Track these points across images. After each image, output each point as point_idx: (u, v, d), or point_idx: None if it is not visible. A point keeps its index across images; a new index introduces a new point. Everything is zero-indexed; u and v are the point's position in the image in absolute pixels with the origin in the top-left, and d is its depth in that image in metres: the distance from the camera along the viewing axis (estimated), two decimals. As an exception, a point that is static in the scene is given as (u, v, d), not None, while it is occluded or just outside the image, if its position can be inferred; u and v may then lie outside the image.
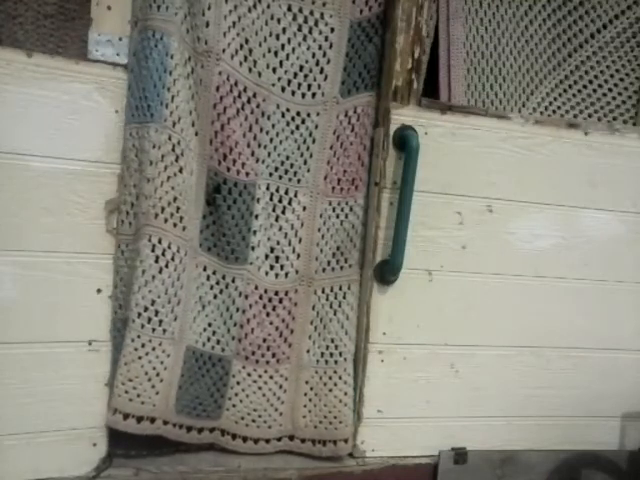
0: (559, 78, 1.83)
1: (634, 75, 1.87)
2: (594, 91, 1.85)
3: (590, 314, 1.84)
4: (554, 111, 1.83)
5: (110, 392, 1.53)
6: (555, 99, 1.84)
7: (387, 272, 1.64)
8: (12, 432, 1.45)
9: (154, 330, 1.55)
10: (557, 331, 1.82)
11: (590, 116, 1.85)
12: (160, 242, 1.54)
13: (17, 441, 1.45)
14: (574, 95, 1.85)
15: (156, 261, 1.53)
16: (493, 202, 1.73)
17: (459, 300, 1.74)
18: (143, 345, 1.54)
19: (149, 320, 1.54)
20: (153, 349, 1.56)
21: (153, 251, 1.53)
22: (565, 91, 1.84)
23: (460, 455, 1.77)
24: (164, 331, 1.56)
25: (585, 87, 1.85)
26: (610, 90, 1.86)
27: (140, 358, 1.54)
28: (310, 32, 1.61)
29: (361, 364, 1.70)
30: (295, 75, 1.63)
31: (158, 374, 1.57)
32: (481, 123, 1.69)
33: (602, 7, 1.81)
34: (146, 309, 1.54)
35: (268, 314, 1.67)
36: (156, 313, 1.55)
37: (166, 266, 1.54)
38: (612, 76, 1.86)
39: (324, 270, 1.70)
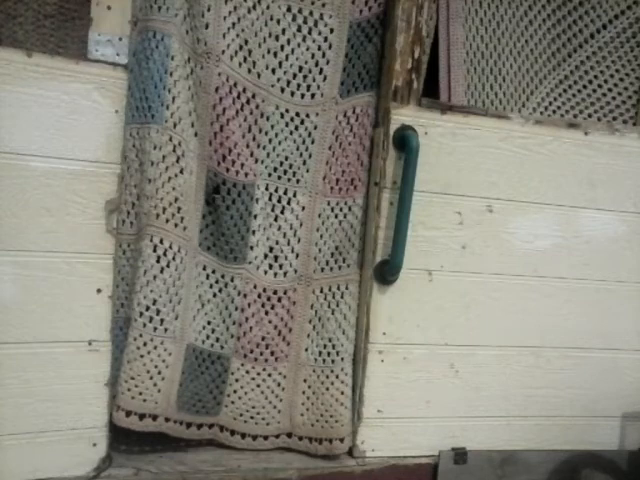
0: (559, 78, 1.83)
1: (634, 75, 1.87)
2: (594, 91, 1.85)
3: (590, 314, 1.83)
4: (554, 111, 1.83)
5: (111, 390, 1.54)
6: (555, 99, 1.83)
7: (387, 272, 1.64)
8: (12, 432, 1.45)
9: (156, 329, 1.56)
10: (557, 331, 1.82)
11: (590, 116, 1.85)
12: (162, 242, 1.54)
13: (17, 441, 1.46)
14: (574, 95, 1.84)
15: (157, 261, 1.54)
16: (493, 202, 1.73)
17: (459, 300, 1.74)
18: (145, 344, 1.55)
19: (151, 319, 1.55)
20: (155, 348, 1.57)
21: (155, 251, 1.54)
22: (565, 91, 1.84)
23: (460, 455, 1.76)
24: (165, 330, 1.57)
25: (585, 87, 1.85)
26: (610, 90, 1.86)
27: (142, 357, 1.55)
28: (309, 33, 1.61)
29: (361, 364, 1.70)
30: (294, 76, 1.63)
31: (160, 372, 1.58)
32: (481, 123, 1.69)
33: (602, 7, 1.81)
34: (148, 308, 1.55)
35: (267, 313, 1.67)
36: (157, 312, 1.56)
37: (167, 266, 1.55)
38: (612, 76, 1.85)
39: (322, 270, 1.70)
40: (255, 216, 1.63)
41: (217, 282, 1.65)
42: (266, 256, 1.68)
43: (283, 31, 1.60)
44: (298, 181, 1.68)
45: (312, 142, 1.67)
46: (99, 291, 1.48)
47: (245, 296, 1.65)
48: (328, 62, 1.64)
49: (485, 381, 1.79)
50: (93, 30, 1.41)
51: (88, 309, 1.48)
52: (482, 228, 1.73)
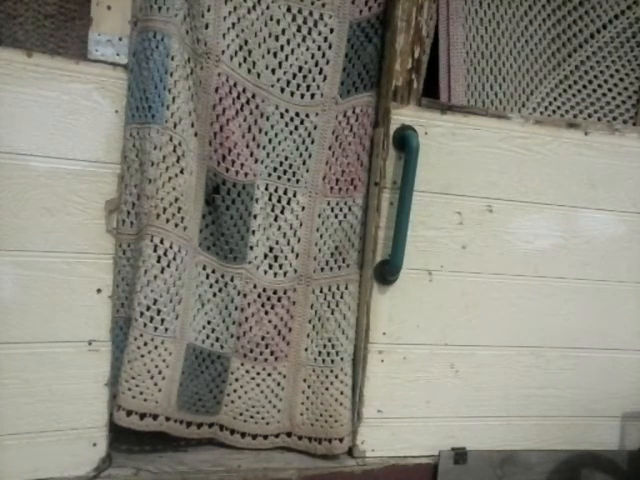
0: (559, 78, 1.83)
1: (634, 75, 1.87)
2: (594, 91, 1.85)
3: (590, 314, 1.83)
4: (554, 111, 1.83)
5: (111, 390, 1.54)
6: (555, 99, 1.83)
7: (387, 272, 1.64)
8: (12, 432, 1.45)
9: (156, 329, 1.56)
10: (557, 331, 1.82)
11: (590, 116, 1.85)
12: (162, 242, 1.54)
13: (17, 441, 1.45)
14: (574, 95, 1.84)
15: (158, 261, 1.54)
16: (493, 202, 1.73)
17: (459, 300, 1.74)
18: (145, 344, 1.55)
19: (151, 319, 1.55)
20: (155, 347, 1.57)
21: (155, 251, 1.54)
22: (565, 91, 1.84)
23: (460, 455, 1.76)
24: (166, 330, 1.57)
25: (585, 87, 1.85)
26: (610, 90, 1.86)
27: (143, 356, 1.55)
28: (309, 33, 1.61)
29: (361, 364, 1.70)
30: (294, 76, 1.63)
31: (160, 372, 1.58)
32: (481, 123, 1.69)
33: (602, 7, 1.81)
34: (148, 308, 1.55)
35: (267, 312, 1.67)
36: (158, 312, 1.56)
37: (168, 266, 1.55)
38: (612, 76, 1.85)
39: (322, 270, 1.70)
40: (255, 216, 1.63)
41: (217, 282, 1.65)
42: (266, 256, 1.68)
43: (283, 31, 1.60)
44: (298, 181, 1.68)
45: (312, 142, 1.67)
46: (99, 291, 1.48)
47: (245, 296, 1.65)
48: (328, 62, 1.64)
49: (485, 381, 1.79)
50: (93, 30, 1.41)
51: (88, 309, 1.47)
52: (482, 228, 1.73)
